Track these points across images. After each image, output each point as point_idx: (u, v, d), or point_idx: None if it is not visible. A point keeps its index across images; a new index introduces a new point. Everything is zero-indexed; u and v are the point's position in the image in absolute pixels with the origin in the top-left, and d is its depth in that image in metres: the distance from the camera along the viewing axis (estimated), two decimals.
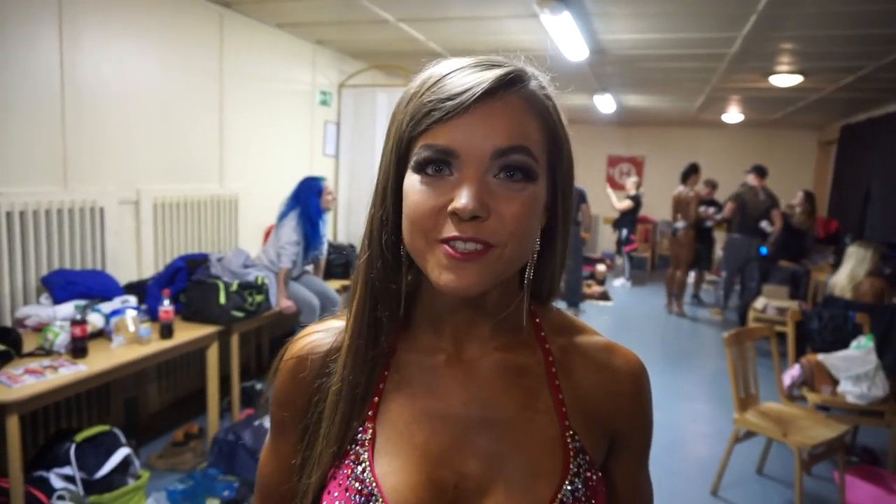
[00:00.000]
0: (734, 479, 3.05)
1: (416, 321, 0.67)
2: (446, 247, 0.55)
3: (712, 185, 7.14)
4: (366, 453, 0.62)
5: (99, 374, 2.35)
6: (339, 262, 4.34)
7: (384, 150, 0.62)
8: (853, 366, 3.07)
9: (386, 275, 0.63)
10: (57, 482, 2.33)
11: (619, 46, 4.52)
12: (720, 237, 7.43)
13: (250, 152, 4.16)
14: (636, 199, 7.87)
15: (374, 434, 0.63)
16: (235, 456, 2.91)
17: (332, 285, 4.05)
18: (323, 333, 0.69)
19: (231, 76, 3.89)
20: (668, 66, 5.19)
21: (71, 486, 2.33)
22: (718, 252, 7.61)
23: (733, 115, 8.33)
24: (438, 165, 0.56)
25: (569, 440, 0.62)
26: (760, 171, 6.31)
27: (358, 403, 0.63)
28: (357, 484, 0.60)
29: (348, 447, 0.63)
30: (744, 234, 6.25)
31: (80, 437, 2.45)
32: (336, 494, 0.61)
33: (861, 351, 3.12)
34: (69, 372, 2.26)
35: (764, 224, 6.22)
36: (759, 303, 5.19)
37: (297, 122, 4.71)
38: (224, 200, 3.91)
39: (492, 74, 0.56)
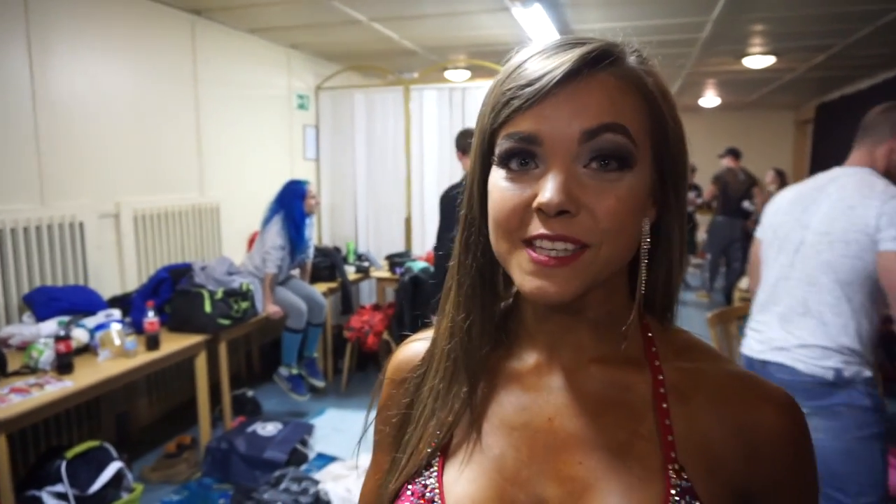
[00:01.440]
0: None
1: (511, 328, 0.61)
2: (530, 251, 0.50)
3: (691, 170, 7.21)
4: (437, 457, 0.58)
5: (86, 389, 2.34)
6: (324, 266, 4.34)
7: (473, 147, 0.57)
8: None
9: (464, 278, 0.59)
10: (49, 500, 2.31)
11: (591, 35, 4.54)
12: (703, 220, 7.50)
13: (230, 160, 4.14)
14: None
15: (449, 440, 0.58)
16: (229, 464, 2.90)
17: (319, 288, 4.05)
18: (422, 342, 0.66)
19: (206, 84, 3.87)
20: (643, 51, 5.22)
21: None
22: (700, 235, 7.68)
23: (710, 99, 8.41)
24: (523, 158, 0.51)
25: (672, 475, 0.51)
26: (735, 153, 6.38)
27: (445, 413, 0.59)
28: (422, 488, 0.56)
29: (424, 451, 0.59)
30: (726, 215, 6.31)
31: (70, 453, 2.44)
32: (404, 497, 0.57)
33: None
34: (55, 389, 2.24)
35: (746, 204, 6.28)
36: (744, 283, 5.25)
37: (275, 128, 4.70)
38: (205, 209, 3.90)
39: (574, 53, 0.50)
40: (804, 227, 1.82)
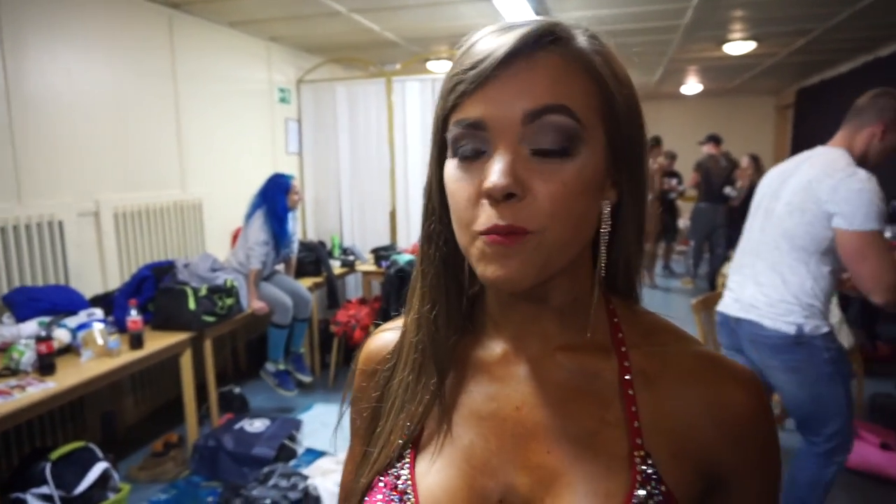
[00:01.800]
0: None
1: (477, 318, 0.61)
2: (482, 235, 0.49)
3: (672, 157, 7.25)
4: (409, 449, 0.58)
5: (69, 389, 2.31)
6: (309, 260, 4.31)
7: (431, 138, 0.57)
8: None
9: (428, 268, 0.58)
10: (34, 502, 2.29)
11: (571, 20, 4.53)
12: (685, 207, 7.55)
13: (211, 155, 4.10)
14: None
15: (420, 431, 0.58)
16: (217, 461, 2.89)
17: (304, 283, 4.03)
18: (392, 332, 0.66)
19: (185, 79, 3.82)
20: (624, 41, 5.20)
21: None
22: (683, 222, 7.73)
23: (692, 85, 8.44)
24: (471, 144, 0.50)
25: (637, 461, 0.51)
26: (716, 140, 6.42)
27: (415, 405, 0.59)
28: (394, 480, 0.56)
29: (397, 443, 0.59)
30: (709, 202, 6.35)
31: (55, 454, 2.41)
32: (374, 490, 0.57)
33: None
34: (37, 390, 2.21)
35: (727, 189, 6.33)
36: (727, 268, 5.29)
37: (257, 122, 4.65)
38: (187, 206, 3.85)
39: (517, 33, 0.49)
40: (777, 198, 1.99)
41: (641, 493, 0.50)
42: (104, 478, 2.48)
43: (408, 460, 0.57)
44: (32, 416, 2.37)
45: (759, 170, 6.52)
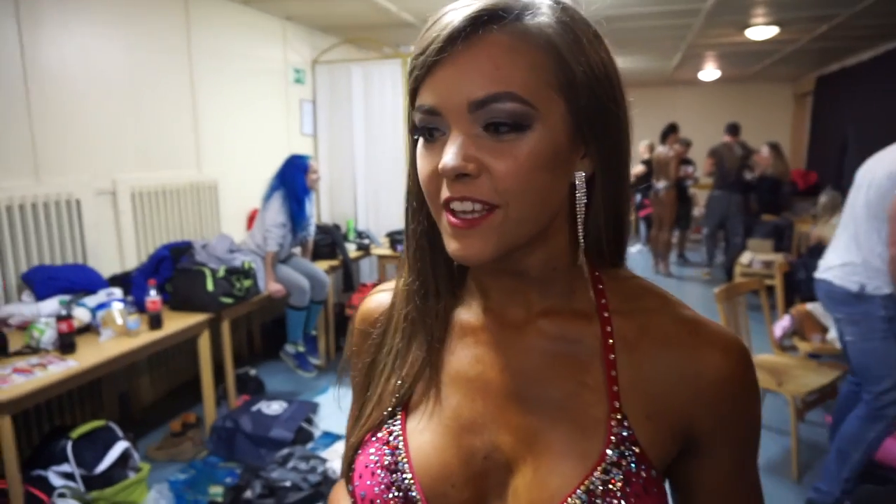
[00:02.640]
0: None
1: (466, 284, 0.64)
2: (448, 215, 0.52)
3: (686, 144, 7.16)
4: (400, 409, 0.61)
5: (90, 369, 2.31)
6: (325, 243, 4.29)
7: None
8: None
9: (412, 243, 0.61)
10: (56, 480, 2.29)
11: (594, 4, 4.45)
12: (700, 196, 7.48)
13: (226, 135, 4.06)
14: (649, 164, 7.81)
15: (410, 394, 0.61)
16: (235, 443, 2.89)
17: (321, 266, 4.01)
18: (386, 293, 0.68)
19: (200, 57, 3.78)
20: (643, 24, 5.14)
21: (71, 483, 2.30)
22: (697, 210, 7.66)
23: (710, 72, 8.32)
24: (431, 126, 0.52)
25: (613, 424, 0.53)
26: (732, 129, 6.29)
27: (407, 371, 0.62)
28: (387, 436, 0.59)
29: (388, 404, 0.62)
30: (723, 189, 6.24)
31: (76, 433, 2.42)
32: (368, 444, 0.60)
33: None
34: (59, 369, 2.21)
35: (748, 175, 6.24)
36: (745, 258, 5.24)
37: (272, 102, 4.61)
38: (203, 186, 3.83)
39: (460, 14, 0.49)
40: (872, 175, 2.23)
41: (614, 453, 0.52)
42: (124, 457, 2.49)
43: (399, 419, 0.60)
44: (53, 395, 2.37)
45: (779, 158, 6.43)
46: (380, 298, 0.69)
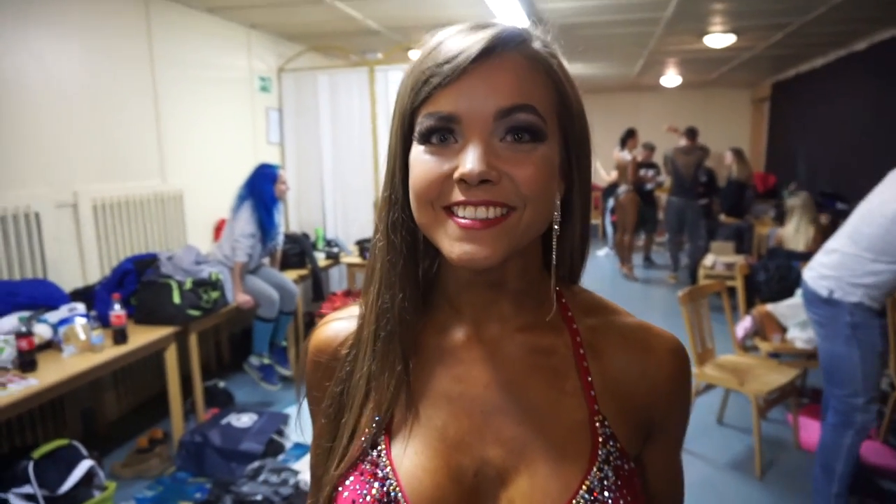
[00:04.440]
0: (696, 430, 3.17)
1: (435, 303, 0.64)
2: (455, 218, 0.53)
3: (650, 148, 7.30)
4: (382, 436, 0.60)
5: (53, 386, 2.26)
6: (294, 252, 4.26)
7: (391, 128, 0.60)
8: (799, 312, 3.21)
9: (395, 258, 0.60)
10: (17, 502, 2.23)
11: (558, 14, 4.53)
12: (665, 199, 7.62)
13: (191, 144, 4.01)
14: None
15: (391, 418, 0.61)
16: (204, 457, 2.85)
17: (289, 276, 3.98)
18: (344, 321, 0.67)
19: (163, 66, 3.72)
20: (606, 32, 5.24)
21: None
22: (662, 214, 7.80)
23: (671, 77, 8.51)
24: (443, 134, 0.53)
25: (597, 425, 0.58)
26: (690, 134, 6.38)
27: (383, 395, 0.60)
28: (372, 467, 0.58)
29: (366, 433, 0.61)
30: (679, 196, 6.35)
31: (37, 453, 2.35)
32: (352, 479, 0.59)
33: None
34: (19, 387, 2.15)
35: (701, 177, 6.38)
36: (708, 260, 5.37)
37: (237, 111, 4.56)
38: (168, 197, 3.77)
39: (488, 33, 0.53)
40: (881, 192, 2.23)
41: (603, 451, 0.57)
42: (89, 476, 2.42)
43: (383, 447, 0.59)
44: (13, 415, 2.30)
45: (743, 163, 6.60)
46: (336, 327, 0.67)
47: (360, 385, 0.62)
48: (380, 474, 0.57)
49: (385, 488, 0.56)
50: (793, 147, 7.31)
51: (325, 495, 0.60)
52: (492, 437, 0.58)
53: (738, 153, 6.69)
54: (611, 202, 7.85)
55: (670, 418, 0.64)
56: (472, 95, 0.52)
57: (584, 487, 0.55)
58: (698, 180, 6.33)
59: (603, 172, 8.05)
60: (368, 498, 0.56)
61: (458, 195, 0.52)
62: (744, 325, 3.43)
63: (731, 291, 3.86)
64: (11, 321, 2.47)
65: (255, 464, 2.64)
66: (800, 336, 3.16)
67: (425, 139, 0.54)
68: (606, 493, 0.55)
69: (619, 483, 0.56)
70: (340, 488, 0.59)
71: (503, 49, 0.53)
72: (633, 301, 6.05)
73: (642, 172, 6.95)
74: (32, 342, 2.33)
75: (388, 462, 0.58)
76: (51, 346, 2.54)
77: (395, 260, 0.60)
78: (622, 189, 6.86)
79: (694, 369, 2.95)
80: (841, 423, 2.26)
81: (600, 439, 0.57)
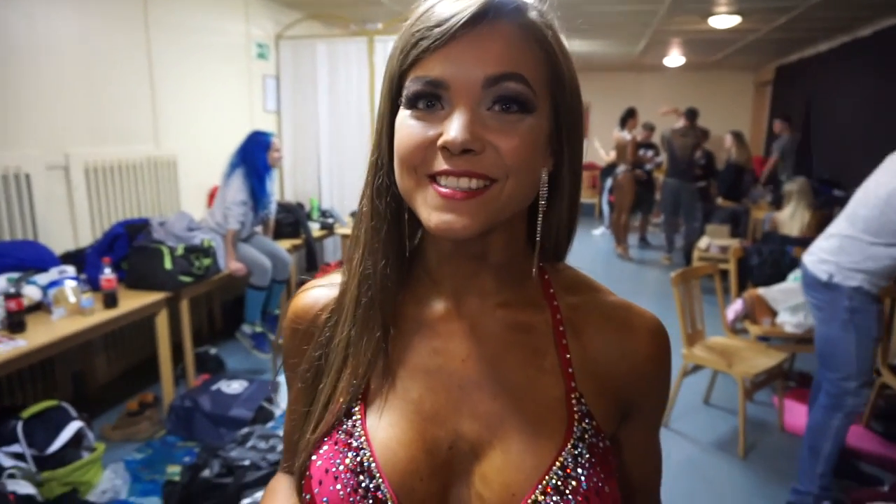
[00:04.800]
0: (683, 410, 3.21)
1: (416, 274, 0.63)
2: (436, 186, 0.52)
3: (650, 129, 7.25)
4: (357, 406, 0.59)
5: (40, 348, 2.26)
6: (288, 222, 4.24)
7: (381, 91, 0.58)
8: (790, 297, 3.23)
9: (380, 224, 0.59)
10: (6, 460, 2.24)
11: None
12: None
13: (186, 110, 3.96)
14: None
15: (367, 388, 0.60)
16: (193, 422, 2.87)
17: (283, 245, 3.97)
18: (324, 288, 0.67)
19: (158, 29, 3.66)
20: (610, 9, 5.17)
21: (21, 464, 2.25)
22: (659, 195, 7.79)
23: (674, 58, 8.43)
24: (430, 100, 0.52)
25: (574, 402, 0.58)
26: (690, 115, 6.32)
27: (360, 360, 0.60)
28: (346, 437, 0.58)
29: (342, 401, 0.60)
30: (674, 177, 6.33)
31: (26, 413, 2.36)
32: (326, 448, 0.58)
33: (798, 283, 3.28)
34: (7, 348, 2.15)
35: (699, 159, 6.36)
36: (703, 242, 5.38)
37: (234, 77, 4.50)
38: (161, 162, 3.73)
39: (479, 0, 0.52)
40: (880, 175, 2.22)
41: (578, 428, 0.57)
42: (78, 437, 2.44)
43: (358, 416, 0.59)
44: (1, 375, 2.31)
45: (742, 146, 6.57)
46: (316, 294, 0.67)
47: (338, 350, 0.61)
48: (354, 444, 0.57)
49: (359, 458, 0.56)
50: (794, 132, 7.27)
51: (301, 462, 0.60)
52: (468, 411, 0.58)
53: (737, 136, 6.66)
54: (609, 182, 7.83)
55: (649, 398, 0.64)
56: (460, 61, 0.51)
57: (557, 464, 0.55)
58: (694, 162, 6.31)
59: (602, 152, 8.00)
60: (342, 467, 0.56)
61: (440, 164, 0.51)
62: (735, 307, 3.45)
63: (724, 274, 3.88)
64: (0, 282, 2.46)
65: (244, 430, 2.66)
66: (789, 320, 3.18)
67: (412, 104, 0.53)
68: (579, 470, 0.55)
69: (594, 460, 0.56)
70: (314, 456, 0.59)
71: (495, 16, 0.52)
72: (626, 281, 6.07)
73: (641, 153, 6.92)
74: (21, 303, 2.33)
75: (363, 432, 0.58)
76: (40, 307, 2.54)
77: (379, 226, 0.59)
78: (620, 169, 6.83)
79: (682, 350, 2.97)
80: (831, 406, 2.28)
81: (576, 416, 0.57)
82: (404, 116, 0.54)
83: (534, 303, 0.61)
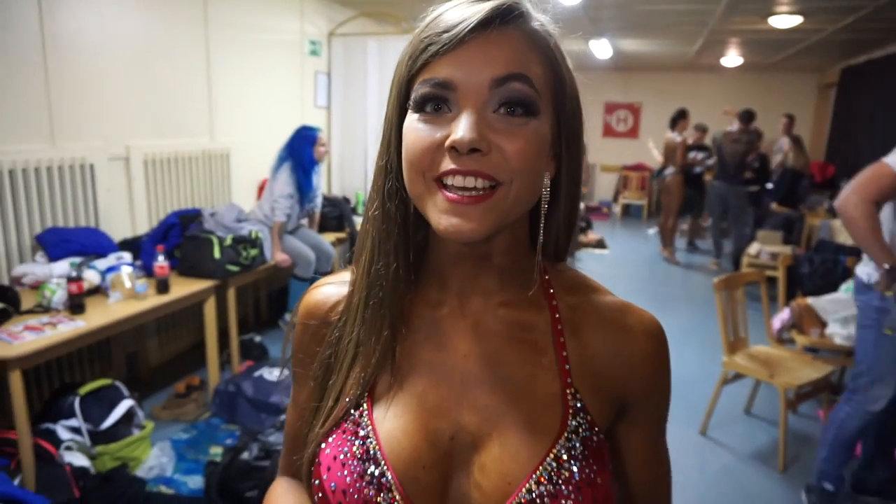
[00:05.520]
0: (722, 418, 3.14)
1: (423, 275, 0.66)
2: (445, 191, 0.54)
3: (702, 130, 7.05)
4: (365, 399, 0.62)
5: (98, 329, 2.39)
6: (333, 215, 4.35)
7: (389, 96, 0.61)
8: (841, 308, 3.12)
9: (391, 227, 0.61)
10: (64, 433, 2.40)
11: None
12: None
13: (240, 105, 4.10)
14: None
15: (375, 382, 0.63)
16: (236, 406, 2.98)
17: (327, 238, 4.07)
18: (334, 286, 0.69)
19: (217, 26, 3.80)
20: (665, 8, 5.07)
21: (77, 437, 2.40)
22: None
23: (732, 58, 8.18)
24: (437, 103, 0.54)
25: (569, 398, 0.60)
26: (744, 117, 6.10)
27: (369, 359, 0.63)
28: (354, 427, 0.61)
29: (350, 394, 0.63)
30: (722, 181, 6.13)
31: (83, 390, 2.51)
32: (335, 436, 0.62)
33: (850, 294, 3.16)
34: (68, 328, 2.29)
35: (753, 163, 6.16)
36: (753, 248, 5.23)
37: (286, 73, 4.63)
38: (215, 155, 3.88)
39: (488, 6, 0.55)
40: None
41: (573, 423, 0.59)
42: (129, 415, 2.58)
43: (365, 408, 0.62)
44: (62, 353, 2.46)
45: (800, 151, 6.31)
46: (326, 291, 0.69)
47: (348, 349, 0.64)
48: (361, 433, 0.60)
49: (365, 446, 0.59)
50: (858, 137, 6.96)
51: (311, 452, 0.64)
52: (468, 404, 0.61)
53: (796, 140, 6.43)
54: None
55: (648, 398, 0.65)
56: (468, 64, 0.53)
57: (551, 455, 0.57)
58: (744, 166, 6.10)
59: (655, 153, 7.85)
60: (349, 454, 0.60)
61: (448, 164, 0.53)
62: (781, 316, 3.35)
63: (772, 282, 3.77)
64: (64, 266, 2.62)
65: (283, 416, 2.75)
66: (840, 332, 3.07)
67: (420, 107, 0.55)
68: (572, 462, 0.58)
69: (587, 453, 0.59)
70: (324, 445, 0.62)
71: (502, 22, 0.55)
72: (669, 285, 5.96)
73: (691, 155, 6.74)
74: (82, 286, 2.47)
75: (369, 423, 0.61)
76: (98, 291, 2.69)
77: (391, 229, 0.61)
78: (668, 171, 6.68)
79: (723, 357, 2.92)
80: (844, 399, 2.35)
81: (571, 411, 0.60)
82: (412, 120, 0.56)
83: (535, 302, 0.64)
